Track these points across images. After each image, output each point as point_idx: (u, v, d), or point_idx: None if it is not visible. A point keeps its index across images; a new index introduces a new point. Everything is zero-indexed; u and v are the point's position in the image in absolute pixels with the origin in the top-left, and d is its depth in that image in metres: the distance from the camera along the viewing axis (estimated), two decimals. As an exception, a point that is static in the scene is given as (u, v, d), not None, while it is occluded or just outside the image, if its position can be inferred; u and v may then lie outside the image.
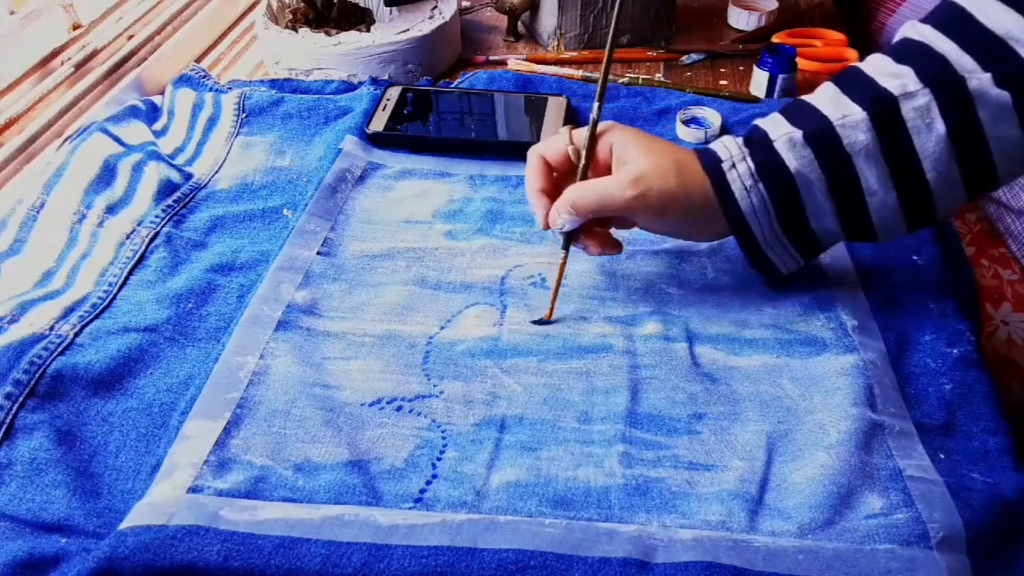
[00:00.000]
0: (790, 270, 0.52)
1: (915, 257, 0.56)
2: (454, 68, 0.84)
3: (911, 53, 0.47)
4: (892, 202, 0.48)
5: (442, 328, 0.51)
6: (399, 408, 0.46)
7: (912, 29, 0.49)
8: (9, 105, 0.66)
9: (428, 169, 0.66)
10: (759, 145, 0.49)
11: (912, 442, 0.44)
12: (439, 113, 0.72)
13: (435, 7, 0.83)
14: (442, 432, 0.45)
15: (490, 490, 0.42)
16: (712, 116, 0.71)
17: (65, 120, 0.69)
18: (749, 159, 0.49)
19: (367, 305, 0.53)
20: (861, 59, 0.83)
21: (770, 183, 0.48)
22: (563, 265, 0.52)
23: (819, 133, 0.47)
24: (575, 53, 0.85)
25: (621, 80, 0.79)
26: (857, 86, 0.48)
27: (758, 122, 0.51)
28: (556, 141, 0.52)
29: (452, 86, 0.77)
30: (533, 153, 0.52)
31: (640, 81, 0.79)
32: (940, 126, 0.45)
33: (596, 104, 0.51)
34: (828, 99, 0.48)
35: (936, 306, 0.52)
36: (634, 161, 0.49)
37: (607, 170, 0.50)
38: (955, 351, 0.49)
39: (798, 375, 0.48)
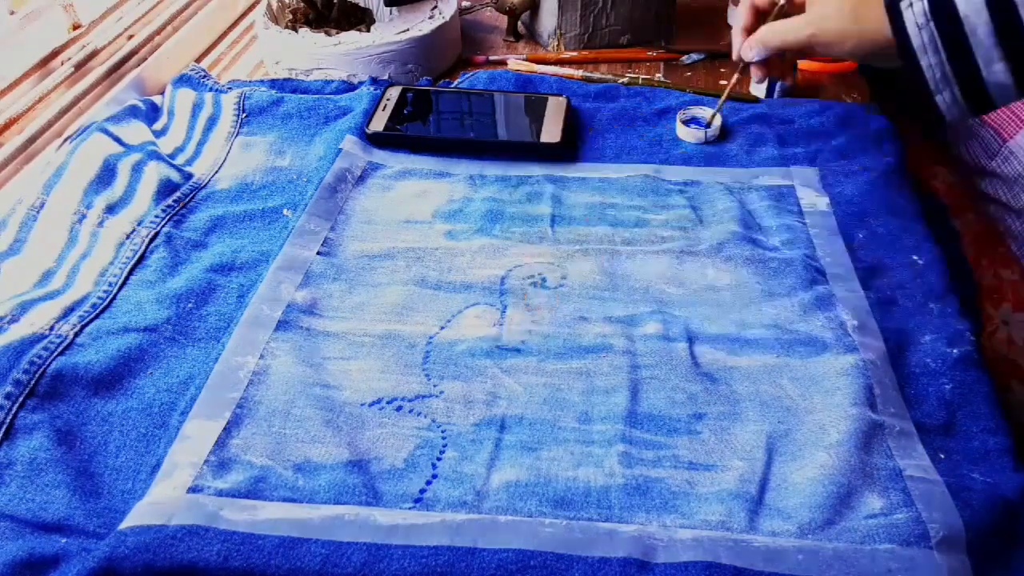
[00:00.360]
0: (955, 119, 0.55)
1: (915, 257, 0.56)
2: (454, 68, 0.84)
3: None
4: None
5: (442, 328, 0.51)
6: (399, 408, 0.46)
7: None
8: (9, 105, 0.66)
9: (428, 169, 0.66)
10: None
11: (912, 442, 0.44)
12: (439, 113, 0.72)
13: (435, 7, 0.83)
14: (442, 432, 0.45)
15: (490, 490, 0.42)
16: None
17: (65, 120, 0.69)
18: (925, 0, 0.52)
19: (367, 305, 0.53)
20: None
21: (941, 23, 0.51)
22: (736, 78, 0.66)
23: None
24: (575, 53, 0.85)
25: (621, 80, 0.79)
26: None
27: None
28: None
29: (452, 86, 0.77)
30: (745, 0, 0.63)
31: (640, 81, 0.79)
32: None
33: None
34: None
35: (936, 306, 0.52)
36: (818, 3, 0.57)
37: (802, 9, 0.59)
38: (955, 351, 0.49)
39: (798, 375, 0.48)
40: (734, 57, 0.64)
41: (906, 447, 0.44)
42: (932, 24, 0.51)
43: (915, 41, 0.52)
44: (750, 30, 0.63)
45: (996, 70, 0.51)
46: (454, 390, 0.47)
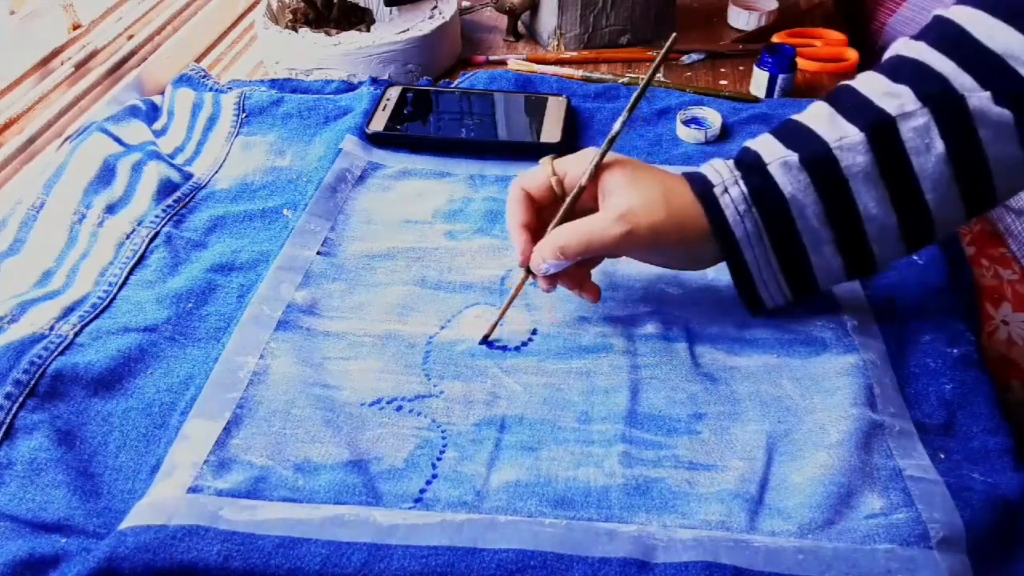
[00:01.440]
0: (776, 306, 0.50)
1: (915, 257, 0.56)
2: (454, 68, 0.84)
3: (908, 72, 0.46)
4: (892, 226, 0.46)
5: (442, 328, 0.51)
6: (399, 408, 0.46)
7: (905, 47, 0.48)
8: (9, 105, 0.66)
9: (428, 169, 0.66)
10: (752, 168, 0.47)
11: (912, 442, 0.44)
12: (439, 113, 0.72)
13: (435, 7, 0.83)
14: (442, 432, 0.45)
15: (490, 490, 0.42)
16: (712, 116, 0.71)
17: (65, 120, 0.69)
18: (742, 183, 0.47)
19: (367, 305, 0.53)
20: (861, 59, 0.83)
21: (764, 209, 0.46)
22: (520, 287, 0.50)
23: (815, 156, 0.46)
24: (575, 53, 0.85)
25: (621, 80, 0.79)
26: (853, 106, 0.47)
27: (749, 144, 0.49)
28: (538, 173, 0.49)
29: (452, 86, 0.77)
30: (515, 186, 0.50)
31: (640, 81, 0.79)
32: (939, 146, 0.44)
33: (603, 147, 0.48)
34: (824, 120, 0.47)
35: (936, 306, 0.52)
36: (619, 194, 0.47)
37: (593, 202, 0.48)
38: (955, 351, 0.49)
39: (798, 375, 0.48)
40: (520, 265, 0.49)
41: (906, 447, 0.44)
42: (754, 210, 0.46)
43: (737, 231, 0.47)
44: (532, 227, 0.49)
45: (825, 253, 0.47)
46: (454, 390, 0.47)
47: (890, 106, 0.45)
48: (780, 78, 0.76)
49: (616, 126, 0.48)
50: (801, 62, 0.79)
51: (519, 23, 0.90)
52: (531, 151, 0.67)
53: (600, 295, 0.51)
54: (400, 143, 0.68)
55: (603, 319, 0.52)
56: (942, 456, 0.43)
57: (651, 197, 0.46)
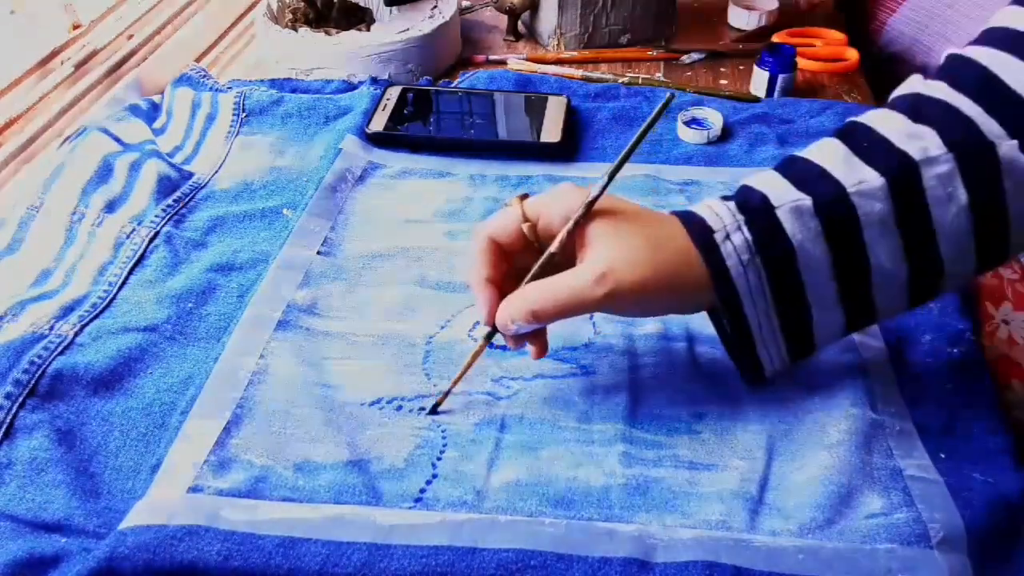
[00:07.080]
0: (775, 371, 0.45)
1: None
2: (454, 68, 0.84)
3: (931, 112, 0.42)
4: (902, 280, 0.42)
5: (442, 328, 0.51)
6: (399, 408, 0.46)
7: (924, 85, 0.44)
8: (9, 105, 0.66)
9: (428, 169, 0.66)
10: (757, 212, 0.42)
11: (912, 442, 0.44)
12: (439, 113, 0.72)
13: (435, 7, 0.83)
14: (442, 431, 0.45)
15: (490, 490, 0.42)
16: (713, 116, 0.71)
17: (65, 120, 0.69)
18: (745, 228, 0.41)
19: (367, 305, 0.53)
20: (861, 59, 0.83)
21: (768, 258, 0.41)
22: (481, 351, 0.45)
23: (831, 201, 0.41)
24: (575, 53, 0.85)
25: (621, 80, 0.79)
26: (870, 146, 0.42)
27: (752, 183, 0.43)
28: (508, 219, 0.43)
29: (452, 86, 0.77)
30: (480, 235, 0.43)
31: (640, 81, 0.79)
32: (962, 196, 0.40)
33: (582, 210, 0.42)
34: (839, 160, 0.42)
35: (936, 306, 0.52)
36: (599, 246, 0.41)
37: (571, 246, 0.43)
38: (955, 351, 0.49)
39: (798, 375, 0.48)
40: (484, 322, 0.44)
41: (906, 447, 0.44)
42: (759, 259, 0.41)
43: (739, 283, 0.41)
44: (497, 282, 0.44)
45: (828, 307, 0.42)
46: (454, 389, 0.47)
47: (912, 149, 0.41)
48: (780, 78, 0.76)
49: (594, 190, 0.42)
50: (801, 62, 0.79)
51: (519, 23, 0.90)
52: (531, 151, 0.67)
53: (546, 352, 0.46)
54: (400, 143, 0.68)
55: (603, 319, 0.52)
56: (942, 456, 0.43)
57: (636, 250, 0.41)
